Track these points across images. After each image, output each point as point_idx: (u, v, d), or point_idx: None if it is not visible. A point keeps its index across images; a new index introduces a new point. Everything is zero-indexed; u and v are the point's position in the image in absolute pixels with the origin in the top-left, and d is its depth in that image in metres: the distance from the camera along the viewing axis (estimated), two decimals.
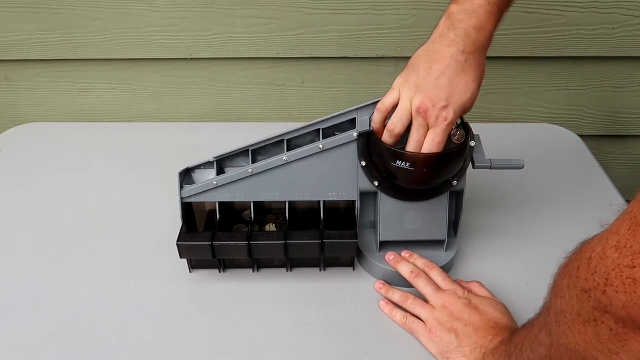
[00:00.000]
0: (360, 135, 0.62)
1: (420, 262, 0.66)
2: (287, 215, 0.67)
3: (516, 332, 0.52)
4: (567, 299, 0.39)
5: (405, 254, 0.68)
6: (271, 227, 0.70)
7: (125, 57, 0.96)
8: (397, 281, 0.66)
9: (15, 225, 0.77)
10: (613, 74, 0.99)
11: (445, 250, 0.69)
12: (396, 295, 0.64)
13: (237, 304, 0.65)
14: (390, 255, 0.67)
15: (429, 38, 0.59)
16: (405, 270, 0.65)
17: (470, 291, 0.62)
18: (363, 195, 0.67)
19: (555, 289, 0.41)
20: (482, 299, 0.60)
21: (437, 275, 0.64)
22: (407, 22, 0.92)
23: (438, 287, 0.62)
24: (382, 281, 0.67)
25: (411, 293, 0.63)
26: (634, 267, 0.32)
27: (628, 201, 0.81)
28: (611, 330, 0.35)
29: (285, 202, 0.67)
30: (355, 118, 0.63)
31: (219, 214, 0.68)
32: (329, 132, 0.65)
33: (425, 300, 0.62)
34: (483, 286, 0.63)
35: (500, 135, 0.84)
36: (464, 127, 0.62)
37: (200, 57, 0.96)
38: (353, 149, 0.63)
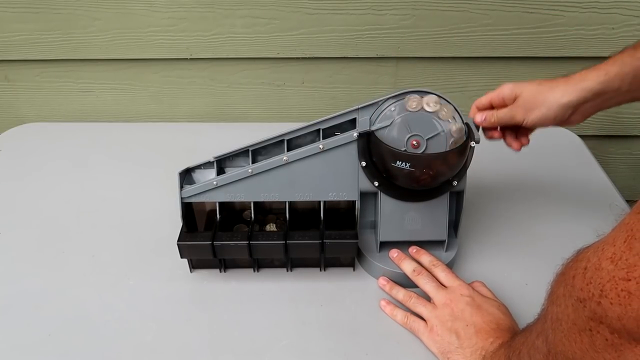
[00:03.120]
0: (361, 135, 0.62)
1: (427, 259, 0.66)
2: (288, 215, 0.67)
3: (515, 336, 0.52)
4: (563, 308, 0.39)
5: (412, 249, 0.68)
6: (271, 227, 0.70)
7: (125, 57, 0.96)
8: (397, 281, 0.66)
9: (15, 225, 0.77)
10: None
11: (446, 251, 0.69)
12: (400, 293, 0.64)
13: (237, 304, 0.65)
14: (393, 253, 0.67)
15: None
16: (408, 268, 0.65)
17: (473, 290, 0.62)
18: (363, 195, 0.67)
19: (552, 297, 0.41)
20: (485, 299, 0.60)
21: (441, 272, 0.64)
22: (407, 22, 0.92)
23: (440, 285, 0.62)
24: (386, 278, 0.67)
25: (414, 292, 0.63)
26: (629, 279, 0.32)
27: (628, 201, 0.82)
28: (606, 340, 0.35)
29: (285, 202, 0.67)
30: (355, 118, 0.63)
31: (219, 214, 0.68)
32: (329, 132, 0.65)
33: (429, 299, 0.62)
34: (485, 286, 0.63)
35: None
36: (465, 125, 0.62)
37: (200, 57, 0.96)
38: (353, 149, 0.63)
